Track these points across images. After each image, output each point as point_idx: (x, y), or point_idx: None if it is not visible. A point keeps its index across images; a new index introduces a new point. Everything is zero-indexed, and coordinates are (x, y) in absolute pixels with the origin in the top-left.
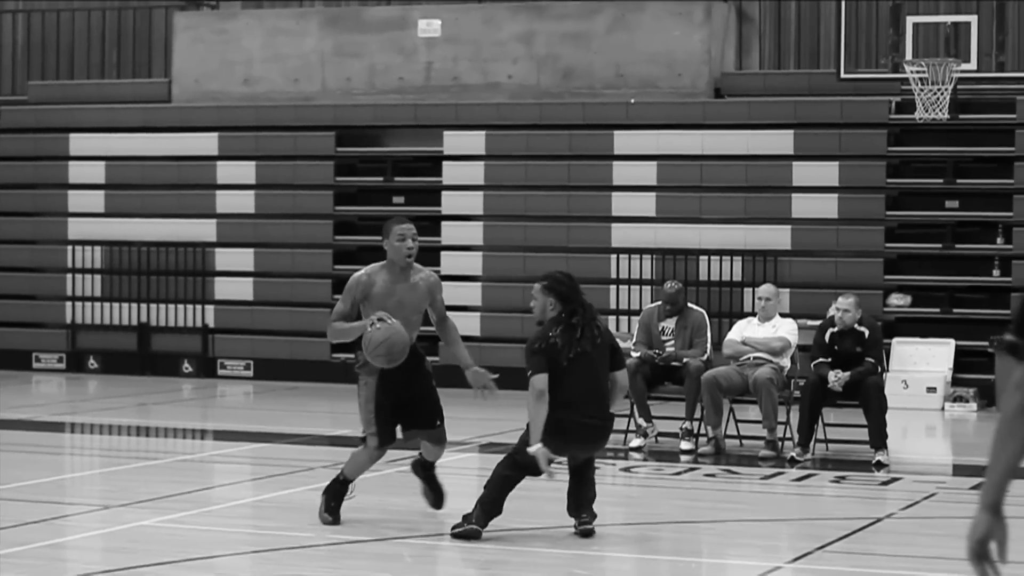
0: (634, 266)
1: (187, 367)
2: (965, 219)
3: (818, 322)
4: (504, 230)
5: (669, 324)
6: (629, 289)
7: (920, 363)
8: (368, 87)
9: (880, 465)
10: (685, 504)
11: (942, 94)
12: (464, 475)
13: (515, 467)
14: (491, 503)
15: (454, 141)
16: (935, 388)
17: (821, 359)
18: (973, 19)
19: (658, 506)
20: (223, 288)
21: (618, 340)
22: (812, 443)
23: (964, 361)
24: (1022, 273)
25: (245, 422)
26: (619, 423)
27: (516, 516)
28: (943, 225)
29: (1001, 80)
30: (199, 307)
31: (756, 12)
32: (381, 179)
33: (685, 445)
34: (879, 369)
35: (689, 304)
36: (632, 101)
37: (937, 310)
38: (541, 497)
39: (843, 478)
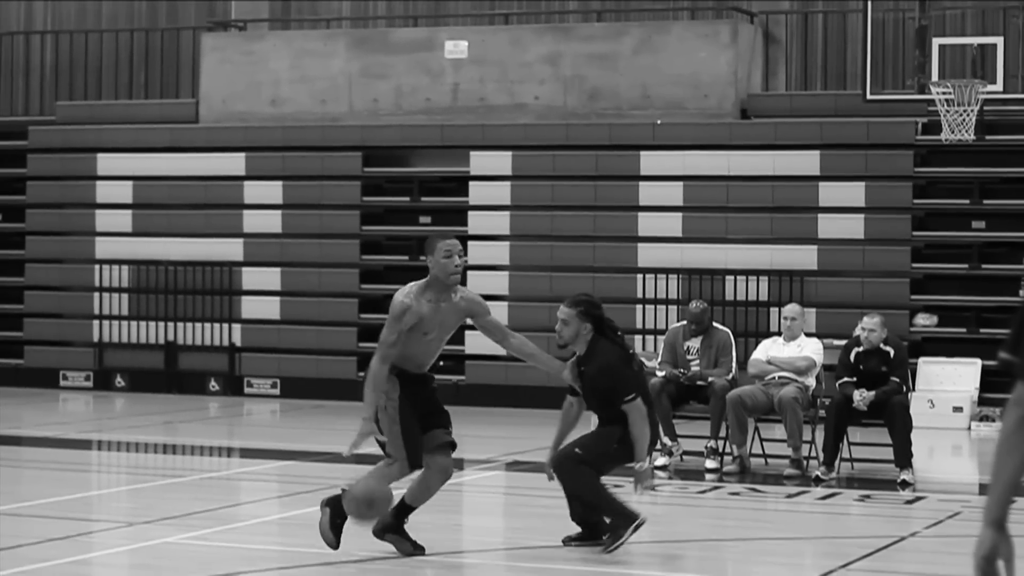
0: (660, 286)
1: (214, 385)
2: (991, 239)
3: (844, 342)
4: (530, 250)
5: (694, 343)
6: (655, 309)
7: (946, 383)
8: (395, 108)
9: (905, 484)
10: (710, 522)
11: (968, 115)
12: (491, 493)
13: (594, 474)
14: (613, 504)
15: (481, 161)
16: (961, 408)
17: (846, 378)
18: (999, 40)
19: (683, 524)
20: (250, 307)
21: (644, 359)
22: (837, 462)
23: (991, 380)
24: None
25: (271, 440)
26: None
27: (538, 534)
28: (969, 245)
29: None
30: (226, 326)
31: (782, 33)
32: (408, 199)
33: (710, 464)
34: (904, 388)
35: (714, 323)
36: (659, 122)
37: (963, 330)
38: (565, 515)
39: (868, 497)
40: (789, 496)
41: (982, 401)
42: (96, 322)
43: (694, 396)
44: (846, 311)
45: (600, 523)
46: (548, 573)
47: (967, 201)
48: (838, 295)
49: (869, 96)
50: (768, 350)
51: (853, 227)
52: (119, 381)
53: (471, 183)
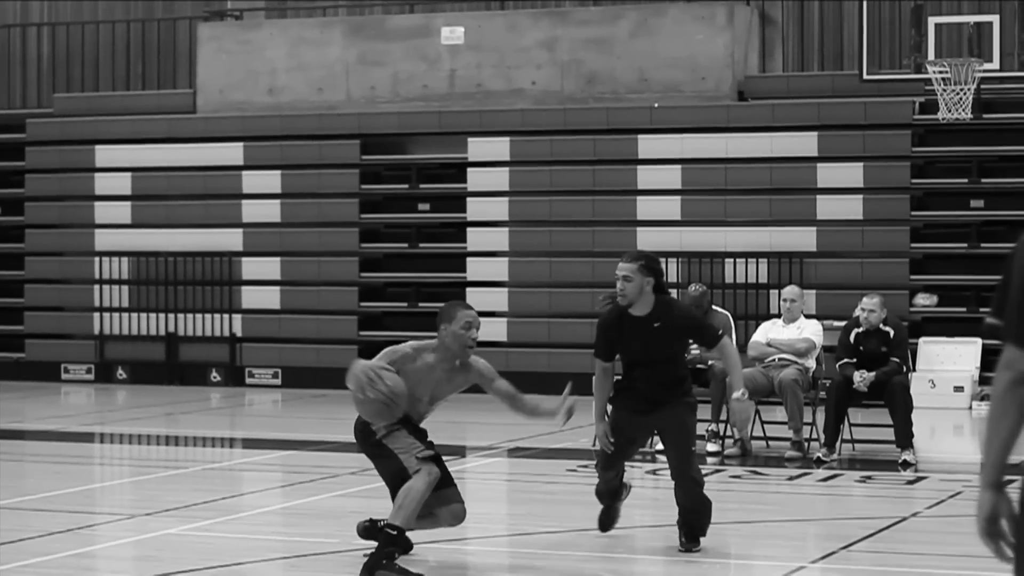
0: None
1: (215, 376)
2: (990, 218)
3: (843, 323)
4: (529, 235)
5: None
6: None
7: (947, 362)
8: (392, 95)
9: (906, 464)
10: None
11: (965, 94)
12: (492, 480)
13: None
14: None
15: (478, 148)
16: (962, 387)
17: (846, 359)
18: (995, 19)
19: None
20: (250, 297)
21: None
22: (838, 443)
23: (991, 360)
24: None
25: (273, 430)
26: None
27: (541, 520)
28: (968, 224)
29: None
30: (226, 316)
31: (779, 15)
32: (406, 186)
33: (711, 447)
34: (904, 369)
35: (714, 306)
36: (656, 105)
37: (963, 309)
38: (567, 501)
39: (869, 478)
40: (791, 478)
41: (983, 380)
42: (96, 314)
43: (694, 379)
44: (845, 292)
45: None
46: (551, 559)
47: (965, 180)
48: (837, 276)
49: (866, 76)
50: (768, 332)
51: (852, 208)
52: (120, 373)
53: (469, 169)
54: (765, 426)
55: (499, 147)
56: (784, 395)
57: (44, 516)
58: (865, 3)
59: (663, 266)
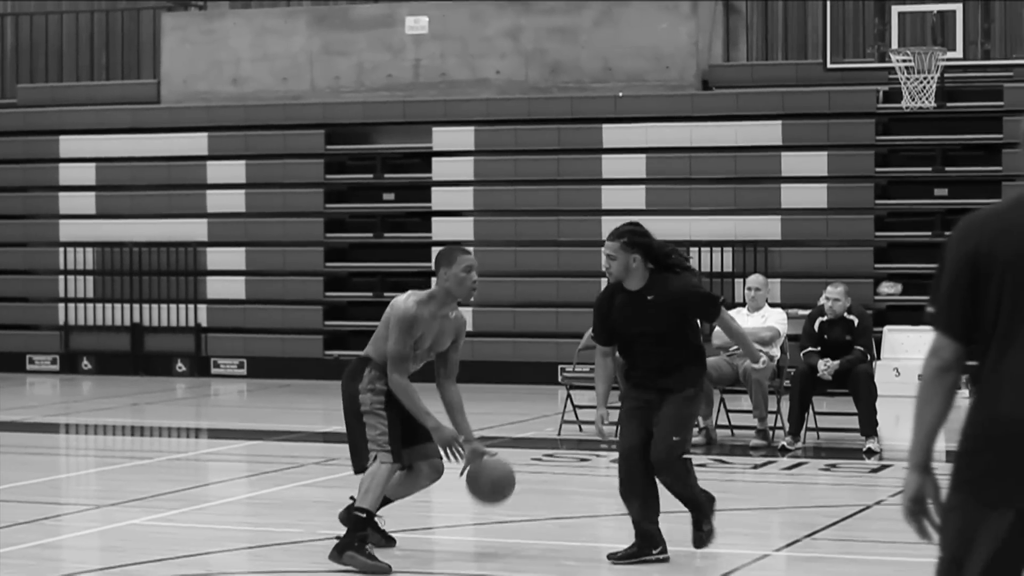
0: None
1: (180, 366)
2: (954, 207)
3: (808, 311)
4: (494, 225)
5: None
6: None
7: (912, 351)
8: (357, 85)
9: (871, 452)
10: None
11: (928, 82)
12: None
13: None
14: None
15: (443, 137)
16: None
17: (811, 348)
18: (958, 7)
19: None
20: (215, 287)
21: None
22: (803, 432)
23: None
24: None
25: (238, 420)
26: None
27: (507, 509)
28: (932, 213)
29: (987, 68)
30: (191, 307)
31: (743, 4)
32: (371, 176)
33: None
34: (869, 357)
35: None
36: (620, 95)
37: (927, 297)
38: (532, 490)
39: (834, 466)
40: (755, 467)
41: None
42: (61, 305)
43: None
44: (810, 281)
45: (656, 534)
46: (517, 548)
47: (929, 169)
48: (802, 265)
49: (830, 65)
50: None
51: (816, 197)
52: (85, 364)
53: (434, 159)
54: (730, 414)
55: (464, 136)
56: (749, 384)
57: (10, 507)
58: None
59: (648, 237)
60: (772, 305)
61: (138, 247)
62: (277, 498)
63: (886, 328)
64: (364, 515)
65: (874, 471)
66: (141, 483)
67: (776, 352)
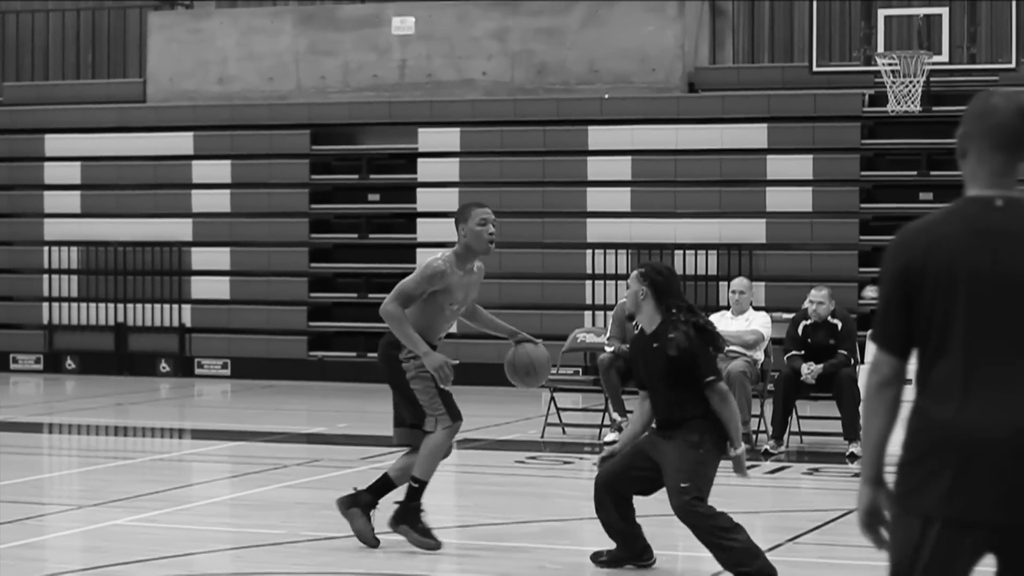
0: (609, 261)
1: (164, 367)
2: None
3: (792, 315)
4: None
5: None
6: (604, 284)
7: None
8: (343, 85)
9: (854, 457)
10: (659, 497)
11: (914, 86)
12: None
13: (716, 512)
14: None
15: (429, 138)
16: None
17: (794, 352)
18: (944, 11)
19: (633, 500)
20: (199, 287)
21: (592, 335)
22: (786, 435)
23: None
24: None
25: (222, 421)
26: (593, 418)
27: (489, 512)
28: (917, 217)
29: (973, 72)
30: (176, 307)
31: (729, 6)
32: (356, 177)
33: (611, 436)
34: (852, 361)
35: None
36: (606, 96)
37: None
38: (516, 492)
39: (817, 470)
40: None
41: None
42: (46, 304)
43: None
44: (794, 284)
45: (640, 536)
46: (499, 551)
47: (914, 173)
48: (786, 268)
49: (816, 68)
50: (716, 324)
51: (801, 200)
52: (69, 363)
53: (419, 160)
54: None
55: (449, 137)
56: (732, 387)
57: None
58: None
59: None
60: (756, 308)
61: (123, 246)
62: (260, 499)
63: (870, 332)
64: (418, 484)
65: (857, 475)
66: (124, 483)
67: (760, 355)
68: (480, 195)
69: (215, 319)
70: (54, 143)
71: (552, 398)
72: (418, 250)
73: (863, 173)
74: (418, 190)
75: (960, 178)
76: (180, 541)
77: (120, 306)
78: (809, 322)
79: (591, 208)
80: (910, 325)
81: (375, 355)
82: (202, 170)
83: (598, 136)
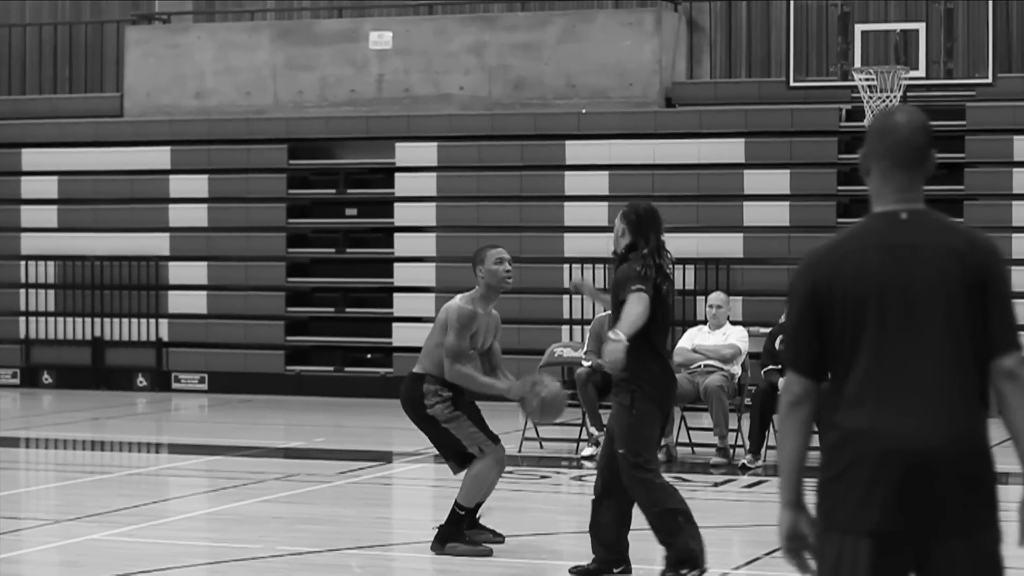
0: (586, 276)
1: (141, 381)
2: None
3: (769, 329)
4: (457, 241)
5: None
6: (582, 298)
7: None
8: (320, 100)
9: None
10: (636, 512)
11: (891, 101)
12: (418, 486)
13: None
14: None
15: (406, 153)
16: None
17: (771, 366)
18: (921, 26)
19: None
20: (177, 302)
21: (569, 350)
22: (763, 450)
23: None
24: None
25: (199, 435)
26: (571, 432)
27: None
28: None
29: (950, 87)
30: (153, 321)
31: (706, 21)
32: (334, 191)
33: (588, 451)
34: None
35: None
36: (583, 111)
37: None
38: (492, 507)
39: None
40: (715, 485)
41: None
42: (22, 319)
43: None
44: (771, 299)
45: (623, 550)
46: (476, 565)
47: None
48: (763, 283)
49: (793, 83)
50: (693, 338)
51: (778, 215)
52: (46, 378)
53: (397, 174)
54: (690, 432)
55: (427, 152)
56: (709, 401)
57: None
58: (792, 10)
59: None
60: (733, 323)
61: (100, 261)
62: (237, 514)
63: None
64: (463, 512)
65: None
66: (101, 498)
67: (737, 370)
68: (457, 210)
69: (192, 333)
70: (31, 157)
71: None
72: (395, 264)
73: (840, 188)
74: (395, 204)
75: (933, 192)
76: (157, 556)
77: (97, 320)
78: None
79: (568, 223)
80: (821, 346)
81: (352, 369)
82: (179, 184)
83: (575, 151)
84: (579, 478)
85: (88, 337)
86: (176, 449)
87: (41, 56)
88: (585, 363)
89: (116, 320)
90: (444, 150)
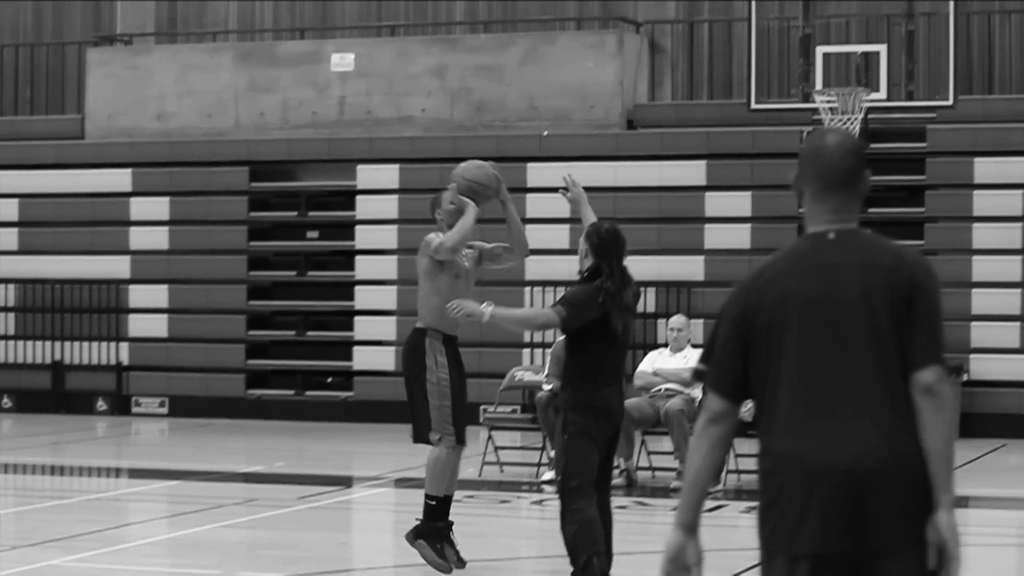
0: (548, 299)
1: (101, 405)
2: None
3: None
4: None
5: None
6: None
7: None
8: (282, 122)
9: None
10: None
11: (852, 123)
12: (380, 510)
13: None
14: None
15: (368, 175)
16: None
17: None
18: (883, 48)
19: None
20: (137, 325)
21: (530, 373)
22: (724, 474)
23: None
24: None
25: (159, 459)
26: (531, 456)
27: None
28: None
29: (911, 109)
30: (113, 344)
31: (668, 43)
32: (295, 214)
33: (549, 475)
34: None
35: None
36: (545, 133)
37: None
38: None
39: (755, 508)
40: (675, 509)
41: None
42: None
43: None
44: None
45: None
46: None
47: None
48: None
49: (754, 105)
50: (654, 362)
51: (739, 237)
52: (5, 402)
53: (358, 197)
54: (651, 456)
55: (388, 175)
56: (670, 425)
57: None
58: (754, 32)
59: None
60: (695, 346)
61: (60, 284)
62: (197, 539)
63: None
64: (435, 502)
65: None
66: (60, 523)
67: (698, 393)
68: (419, 233)
69: (152, 357)
70: None
71: (490, 436)
72: (356, 288)
73: (802, 210)
74: (357, 227)
75: (898, 215)
76: None
77: (57, 344)
78: None
79: (530, 245)
80: (744, 369)
81: (313, 392)
82: (140, 207)
83: (537, 173)
84: (539, 502)
85: (48, 361)
86: (136, 474)
87: (2, 77)
88: (546, 387)
89: (76, 344)
90: (406, 172)
